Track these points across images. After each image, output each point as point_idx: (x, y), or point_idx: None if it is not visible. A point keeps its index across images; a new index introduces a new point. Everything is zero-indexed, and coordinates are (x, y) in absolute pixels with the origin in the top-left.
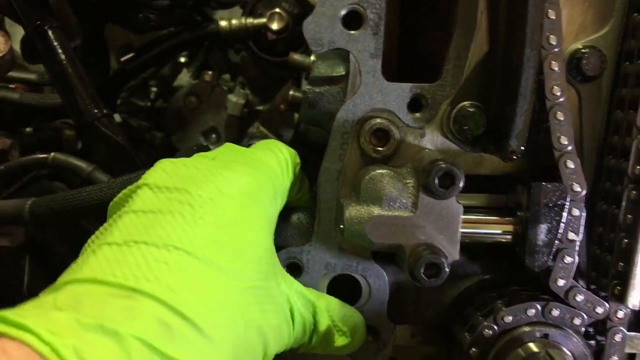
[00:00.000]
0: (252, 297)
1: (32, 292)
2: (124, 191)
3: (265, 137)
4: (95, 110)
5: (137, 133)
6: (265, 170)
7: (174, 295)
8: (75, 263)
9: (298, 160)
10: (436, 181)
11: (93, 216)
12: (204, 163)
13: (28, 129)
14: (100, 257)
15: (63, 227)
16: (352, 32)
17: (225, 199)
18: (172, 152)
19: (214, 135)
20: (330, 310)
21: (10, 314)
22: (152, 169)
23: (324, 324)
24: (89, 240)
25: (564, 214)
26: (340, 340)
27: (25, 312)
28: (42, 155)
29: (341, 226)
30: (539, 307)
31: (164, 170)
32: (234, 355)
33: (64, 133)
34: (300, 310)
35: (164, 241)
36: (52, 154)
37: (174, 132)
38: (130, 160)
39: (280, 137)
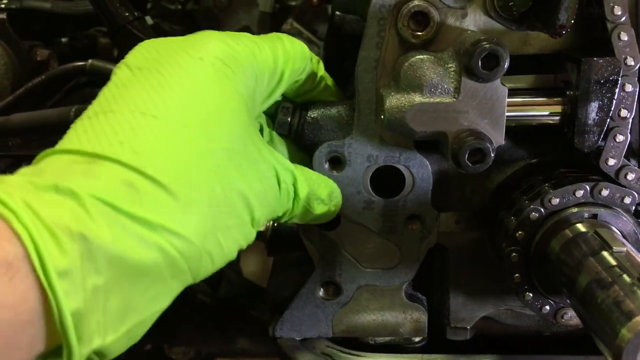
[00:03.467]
0: (228, 161)
1: None
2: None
3: (299, 34)
4: (127, 14)
5: None
6: (243, 39)
7: (139, 157)
8: None
9: (308, 52)
10: (479, 63)
11: None
12: (180, 37)
13: (63, 39)
14: (71, 131)
15: None
16: None
17: (195, 63)
18: None
19: None
20: (307, 178)
21: None
22: (133, 49)
23: (303, 192)
24: None
25: (616, 90)
26: (319, 208)
27: None
28: (80, 63)
29: (382, 117)
30: (587, 187)
31: (141, 47)
32: (213, 216)
33: (98, 41)
34: (284, 178)
35: (130, 108)
36: (90, 60)
37: None
38: None
39: (314, 33)
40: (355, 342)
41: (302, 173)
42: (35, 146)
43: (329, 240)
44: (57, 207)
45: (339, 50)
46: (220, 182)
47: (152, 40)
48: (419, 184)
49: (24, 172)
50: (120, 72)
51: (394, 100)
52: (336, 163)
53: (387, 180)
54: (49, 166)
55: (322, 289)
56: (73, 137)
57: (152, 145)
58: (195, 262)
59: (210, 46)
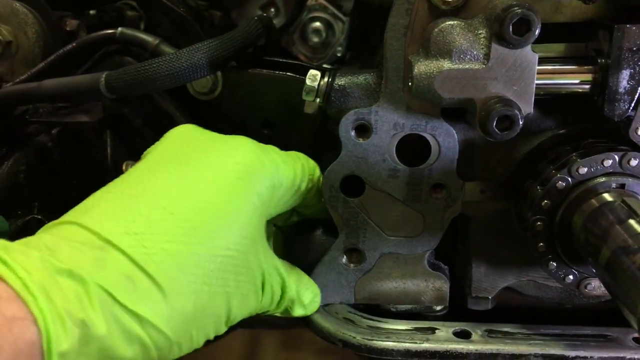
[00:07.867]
0: (225, 266)
1: (116, 162)
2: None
3: (324, 9)
4: None
5: (196, 13)
6: (270, 152)
7: (145, 253)
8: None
9: (318, 172)
10: (510, 28)
11: (162, 86)
12: (216, 135)
13: (92, 11)
14: (95, 200)
15: (137, 100)
16: None
17: (222, 165)
18: (233, 29)
19: (272, 10)
20: (297, 285)
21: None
22: (169, 131)
23: (289, 298)
24: None
25: None
26: (298, 311)
27: (13, 247)
28: (110, 31)
29: (410, 83)
30: (616, 157)
31: (176, 134)
32: (194, 316)
33: (126, 13)
34: (271, 283)
35: (153, 198)
36: (120, 29)
37: (232, 9)
38: (193, 30)
39: (339, 8)
40: (377, 309)
41: (295, 279)
42: (64, 114)
43: (353, 208)
44: (67, 292)
45: (364, 24)
46: (209, 286)
47: (190, 127)
48: (444, 153)
49: (44, 244)
50: (152, 157)
51: (423, 67)
52: (362, 130)
53: (412, 149)
54: (67, 243)
55: (345, 256)
56: (93, 211)
57: (160, 243)
58: (164, 353)
59: (240, 152)
